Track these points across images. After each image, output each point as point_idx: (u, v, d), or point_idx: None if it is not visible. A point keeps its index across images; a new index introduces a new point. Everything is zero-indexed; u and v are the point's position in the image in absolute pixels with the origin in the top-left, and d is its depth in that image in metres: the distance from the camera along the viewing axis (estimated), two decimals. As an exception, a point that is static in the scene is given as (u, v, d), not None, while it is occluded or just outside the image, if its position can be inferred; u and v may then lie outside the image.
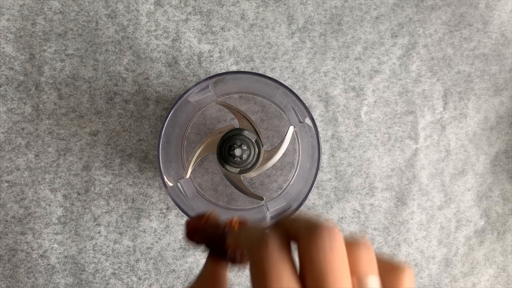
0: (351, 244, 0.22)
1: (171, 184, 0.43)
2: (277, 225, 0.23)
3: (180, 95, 0.42)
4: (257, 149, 0.46)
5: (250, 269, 0.22)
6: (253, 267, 0.22)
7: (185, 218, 0.50)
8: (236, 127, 0.47)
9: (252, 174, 0.46)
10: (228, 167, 0.45)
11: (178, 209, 0.47)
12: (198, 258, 0.51)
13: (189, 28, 0.50)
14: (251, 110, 0.50)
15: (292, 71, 0.51)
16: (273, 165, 0.50)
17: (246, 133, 0.45)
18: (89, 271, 0.50)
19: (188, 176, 0.45)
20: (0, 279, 0.50)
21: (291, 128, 0.45)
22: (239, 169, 0.46)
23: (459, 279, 0.52)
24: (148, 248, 0.50)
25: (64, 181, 0.50)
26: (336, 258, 0.21)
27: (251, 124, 0.46)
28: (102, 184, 0.50)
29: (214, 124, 0.50)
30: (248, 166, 0.46)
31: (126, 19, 0.50)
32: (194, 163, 0.45)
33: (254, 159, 0.46)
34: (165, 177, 0.42)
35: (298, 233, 0.22)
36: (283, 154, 0.48)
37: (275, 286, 0.21)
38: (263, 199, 0.49)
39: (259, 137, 0.46)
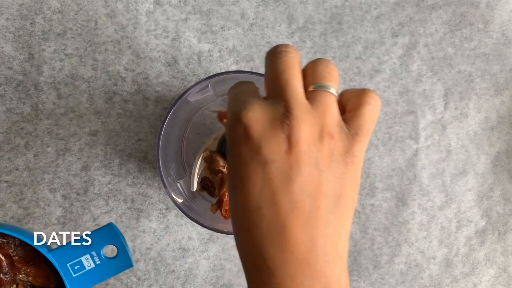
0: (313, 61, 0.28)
1: (180, 200, 0.43)
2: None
3: (180, 95, 0.42)
4: None
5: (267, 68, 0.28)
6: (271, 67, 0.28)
7: (185, 218, 0.50)
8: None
9: None
10: None
11: (178, 209, 0.47)
12: (197, 258, 0.50)
13: (188, 28, 0.50)
14: (251, 110, 0.50)
15: (292, 71, 0.51)
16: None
17: None
18: (89, 271, 0.50)
19: (195, 189, 0.45)
20: None
21: None
22: None
23: (459, 279, 0.52)
24: (148, 248, 0.50)
25: (63, 181, 0.50)
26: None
27: None
28: (102, 184, 0.50)
29: (214, 124, 0.50)
30: None
31: (125, 19, 0.50)
32: (197, 175, 0.45)
33: None
34: (173, 194, 0.42)
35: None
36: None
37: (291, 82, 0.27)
38: None
39: None
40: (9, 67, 0.49)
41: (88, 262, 0.33)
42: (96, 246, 0.34)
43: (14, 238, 0.34)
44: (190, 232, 0.50)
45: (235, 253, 0.51)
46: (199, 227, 0.50)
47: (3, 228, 0.33)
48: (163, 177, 0.42)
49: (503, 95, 0.52)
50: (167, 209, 0.50)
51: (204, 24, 0.50)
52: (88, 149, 0.50)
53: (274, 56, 0.27)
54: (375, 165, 0.51)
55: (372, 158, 0.51)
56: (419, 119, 0.52)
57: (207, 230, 0.49)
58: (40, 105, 0.49)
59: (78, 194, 0.50)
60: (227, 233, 0.43)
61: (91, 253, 0.33)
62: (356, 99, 0.27)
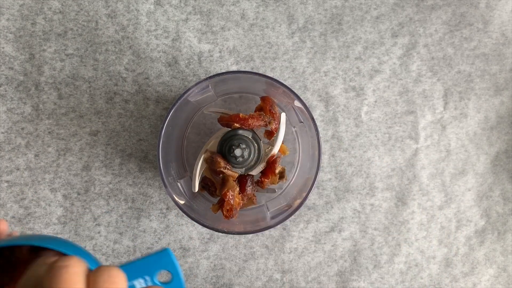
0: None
1: (182, 202, 0.43)
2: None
3: (180, 95, 0.42)
4: (256, 144, 0.45)
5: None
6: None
7: (186, 218, 0.50)
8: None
9: (258, 169, 0.46)
10: (233, 169, 0.45)
11: (178, 209, 0.47)
12: (198, 258, 0.50)
13: (189, 28, 0.50)
14: (251, 110, 0.50)
15: (292, 71, 0.51)
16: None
17: (241, 132, 0.45)
18: (89, 271, 0.50)
19: (196, 190, 0.45)
20: (0, 279, 0.49)
21: (283, 115, 0.45)
22: (244, 168, 0.45)
23: (459, 279, 0.52)
24: (148, 248, 0.50)
25: (64, 181, 0.50)
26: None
27: None
28: (102, 184, 0.50)
29: (214, 124, 0.50)
30: (252, 163, 0.46)
31: (126, 19, 0.50)
32: (199, 175, 0.45)
33: (256, 155, 0.45)
34: (175, 196, 0.42)
35: None
36: (282, 156, 0.48)
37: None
38: (275, 191, 0.49)
39: (255, 133, 0.45)
40: (10, 67, 0.49)
41: (140, 286, 0.32)
42: (150, 270, 0.32)
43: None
44: (191, 231, 0.50)
45: (235, 252, 0.51)
46: (200, 226, 0.50)
47: (47, 243, 0.30)
48: (164, 176, 0.42)
49: (503, 95, 0.53)
50: (167, 208, 0.50)
51: (204, 25, 0.50)
52: (89, 149, 0.50)
53: (52, 274, 0.24)
54: (374, 165, 0.51)
55: (372, 158, 0.51)
56: (418, 119, 0.52)
57: (208, 229, 0.49)
58: (41, 105, 0.50)
59: (78, 194, 0.50)
60: (227, 232, 0.43)
61: (145, 277, 0.32)
62: None
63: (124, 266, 0.31)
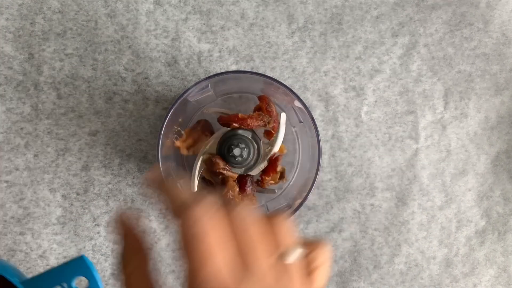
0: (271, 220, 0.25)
1: None
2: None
3: (180, 95, 0.42)
4: (255, 144, 0.45)
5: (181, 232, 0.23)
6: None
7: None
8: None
9: (258, 169, 0.46)
10: (232, 170, 0.45)
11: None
12: (197, 258, 0.50)
13: (188, 28, 0.50)
14: (250, 110, 0.50)
15: (292, 71, 0.51)
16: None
17: (240, 131, 0.45)
18: (88, 271, 0.50)
19: (195, 190, 0.45)
20: (-1, 280, 0.49)
21: (283, 115, 0.45)
22: (243, 168, 0.45)
23: (459, 279, 0.52)
24: (148, 248, 0.50)
25: (63, 181, 0.50)
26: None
27: None
28: (101, 184, 0.50)
29: (214, 124, 0.50)
30: (252, 163, 0.46)
31: (125, 19, 0.50)
32: (197, 177, 0.45)
33: (255, 155, 0.45)
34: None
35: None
36: (283, 155, 0.48)
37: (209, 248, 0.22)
38: (275, 192, 0.49)
39: (255, 133, 0.45)
40: (9, 67, 0.49)
41: None
42: (66, 277, 0.34)
43: None
44: (190, 232, 0.50)
45: (235, 253, 0.51)
46: (199, 227, 0.50)
47: None
48: (163, 177, 0.42)
49: (503, 95, 0.52)
50: (167, 209, 0.50)
51: (204, 24, 0.50)
52: (88, 149, 0.50)
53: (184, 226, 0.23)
54: (375, 165, 0.51)
55: (372, 158, 0.51)
56: (419, 119, 0.52)
57: (207, 230, 0.49)
58: (40, 105, 0.49)
59: (78, 194, 0.50)
60: (227, 233, 0.43)
61: (62, 284, 0.34)
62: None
63: (40, 276, 0.34)
